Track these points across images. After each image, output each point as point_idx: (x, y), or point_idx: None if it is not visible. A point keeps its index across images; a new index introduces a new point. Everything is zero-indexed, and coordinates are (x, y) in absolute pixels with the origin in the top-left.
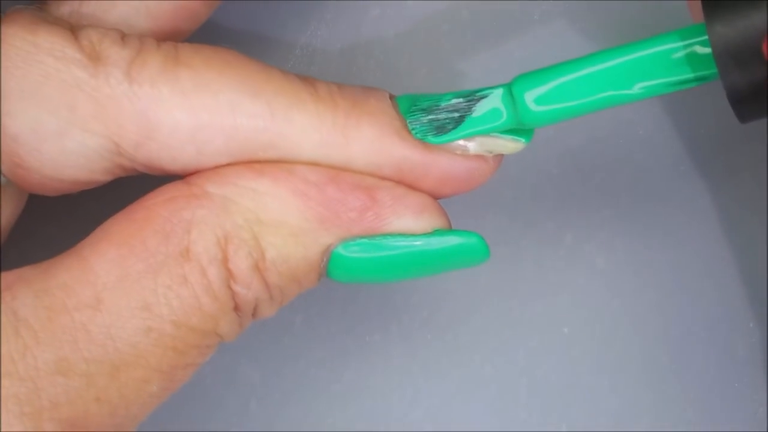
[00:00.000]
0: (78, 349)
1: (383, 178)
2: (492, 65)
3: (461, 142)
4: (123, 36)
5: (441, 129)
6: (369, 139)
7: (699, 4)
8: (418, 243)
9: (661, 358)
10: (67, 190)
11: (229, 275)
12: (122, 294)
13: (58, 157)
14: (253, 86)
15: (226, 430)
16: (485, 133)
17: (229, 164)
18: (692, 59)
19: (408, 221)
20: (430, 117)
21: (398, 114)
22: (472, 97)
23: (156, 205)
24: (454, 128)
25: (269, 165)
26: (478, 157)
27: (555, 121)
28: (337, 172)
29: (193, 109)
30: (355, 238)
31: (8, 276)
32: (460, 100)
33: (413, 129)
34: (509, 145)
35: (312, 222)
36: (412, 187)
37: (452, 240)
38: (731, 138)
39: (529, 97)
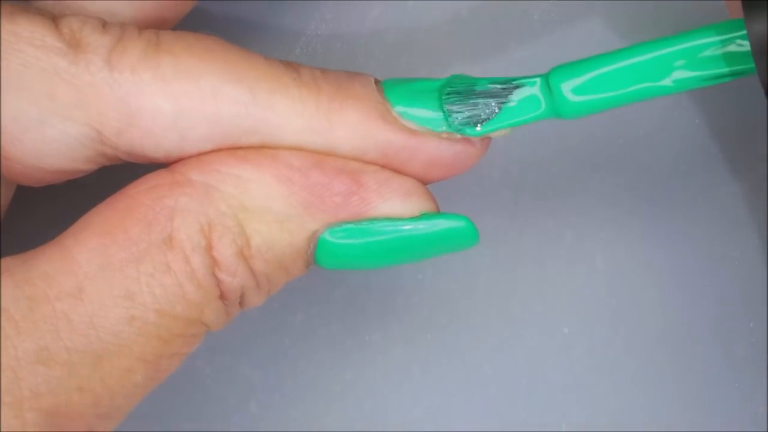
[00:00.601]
0: (59, 339)
1: (368, 162)
2: (492, 65)
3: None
4: (104, 23)
5: (477, 117)
6: (353, 124)
7: (737, 3)
8: (405, 227)
9: (661, 358)
10: (51, 180)
11: (213, 263)
12: (104, 283)
13: (39, 146)
14: (235, 72)
15: (226, 430)
16: (524, 123)
17: (212, 151)
18: (728, 54)
19: (395, 205)
20: (467, 103)
21: (383, 98)
22: (508, 84)
23: (139, 194)
24: (493, 117)
25: (252, 151)
26: (465, 140)
27: (591, 112)
28: (321, 156)
29: (174, 96)
30: (342, 223)
31: None
32: (497, 86)
33: (450, 117)
34: None
35: (297, 207)
36: (398, 171)
37: (440, 223)
38: (731, 138)
39: (566, 88)
